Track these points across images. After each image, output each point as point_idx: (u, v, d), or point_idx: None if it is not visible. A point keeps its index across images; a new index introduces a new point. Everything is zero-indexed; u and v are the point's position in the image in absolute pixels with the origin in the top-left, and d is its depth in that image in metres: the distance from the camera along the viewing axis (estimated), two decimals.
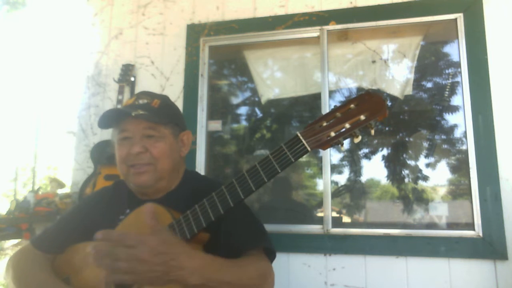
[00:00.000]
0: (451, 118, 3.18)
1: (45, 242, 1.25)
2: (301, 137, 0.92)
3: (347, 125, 0.90)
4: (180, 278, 0.84)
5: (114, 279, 0.83)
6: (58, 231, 1.27)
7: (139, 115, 1.11)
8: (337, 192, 3.39)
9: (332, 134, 0.91)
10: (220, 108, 3.41)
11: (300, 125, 3.66)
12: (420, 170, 3.56)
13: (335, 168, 3.55)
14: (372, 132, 0.92)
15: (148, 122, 1.13)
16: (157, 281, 0.83)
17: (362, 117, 0.89)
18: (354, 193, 3.56)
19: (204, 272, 0.87)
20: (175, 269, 0.83)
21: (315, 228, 2.36)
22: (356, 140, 0.91)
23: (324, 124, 0.91)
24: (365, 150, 3.72)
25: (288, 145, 0.92)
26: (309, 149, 0.91)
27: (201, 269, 0.87)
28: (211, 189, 0.98)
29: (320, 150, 1.92)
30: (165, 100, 1.23)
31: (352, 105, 0.90)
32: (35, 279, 1.13)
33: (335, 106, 0.94)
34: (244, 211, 1.20)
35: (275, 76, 3.07)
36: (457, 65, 2.37)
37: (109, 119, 1.17)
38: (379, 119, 0.89)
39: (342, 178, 3.61)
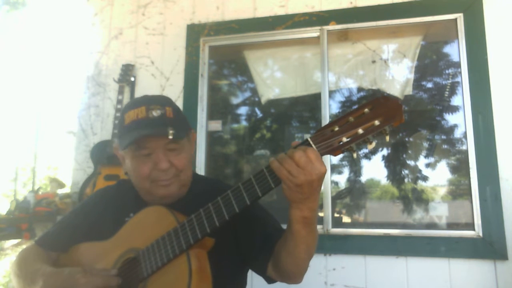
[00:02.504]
0: (451, 118, 3.17)
1: (47, 240, 1.25)
2: (311, 142, 0.87)
3: (361, 131, 0.84)
4: None
5: None
6: (60, 229, 1.27)
7: (174, 135, 1.04)
8: (339, 195, 3.38)
9: (344, 139, 0.85)
10: (220, 108, 3.40)
11: (300, 125, 3.65)
12: (420, 170, 3.55)
13: (335, 168, 3.54)
14: (387, 138, 0.86)
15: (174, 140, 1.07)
16: None
17: (377, 122, 0.83)
18: (354, 193, 3.56)
19: None
20: None
21: None
22: (370, 147, 0.86)
23: (336, 129, 0.86)
24: (365, 150, 3.71)
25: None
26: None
27: None
28: (221, 192, 0.96)
29: None
30: (173, 105, 1.15)
31: (366, 109, 0.84)
32: (29, 270, 1.13)
33: (348, 110, 0.87)
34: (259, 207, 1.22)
35: (275, 76, 3.07)
36: (457, 65, 2.37)
37: (138, 136, 1.06)
38: (394, 124, 0.83)
39: (342, 178, 3.61)
